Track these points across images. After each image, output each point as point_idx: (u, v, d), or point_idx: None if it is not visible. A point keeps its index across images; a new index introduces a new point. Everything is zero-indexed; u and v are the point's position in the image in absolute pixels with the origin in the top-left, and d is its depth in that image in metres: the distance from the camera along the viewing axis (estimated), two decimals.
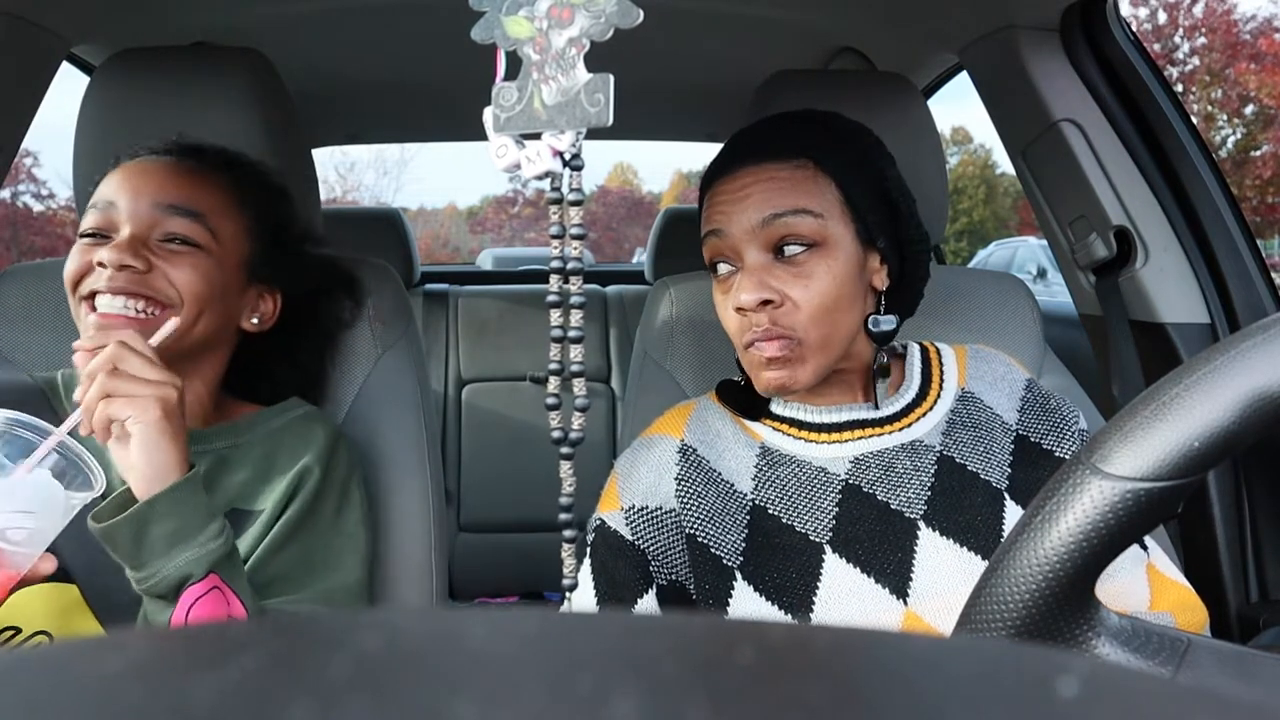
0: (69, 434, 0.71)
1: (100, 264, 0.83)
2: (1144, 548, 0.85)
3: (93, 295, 0.84)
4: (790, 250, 0.81)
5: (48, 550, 0.71)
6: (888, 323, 0.86)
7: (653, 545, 0.84)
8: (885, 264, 0.86)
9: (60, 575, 0.82)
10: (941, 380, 0.91)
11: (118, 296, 0.83)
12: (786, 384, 0.82)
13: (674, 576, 0.84)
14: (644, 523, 0.85)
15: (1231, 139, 18.37)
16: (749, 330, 0.82)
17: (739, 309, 0.82)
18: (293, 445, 0.91)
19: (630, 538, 0.84)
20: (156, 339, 0.79)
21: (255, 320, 0.95)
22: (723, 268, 0.85)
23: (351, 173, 27.36)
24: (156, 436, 0.73)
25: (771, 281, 0.80)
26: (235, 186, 0.93)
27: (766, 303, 0.80)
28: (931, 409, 0.88)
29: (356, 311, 1.06)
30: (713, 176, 0.87)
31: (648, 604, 0.84)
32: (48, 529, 0.70)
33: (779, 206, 0.81)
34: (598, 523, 0.87)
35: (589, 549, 0.87)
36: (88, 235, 0.88)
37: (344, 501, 0.92)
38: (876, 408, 0.87)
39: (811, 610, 0.78)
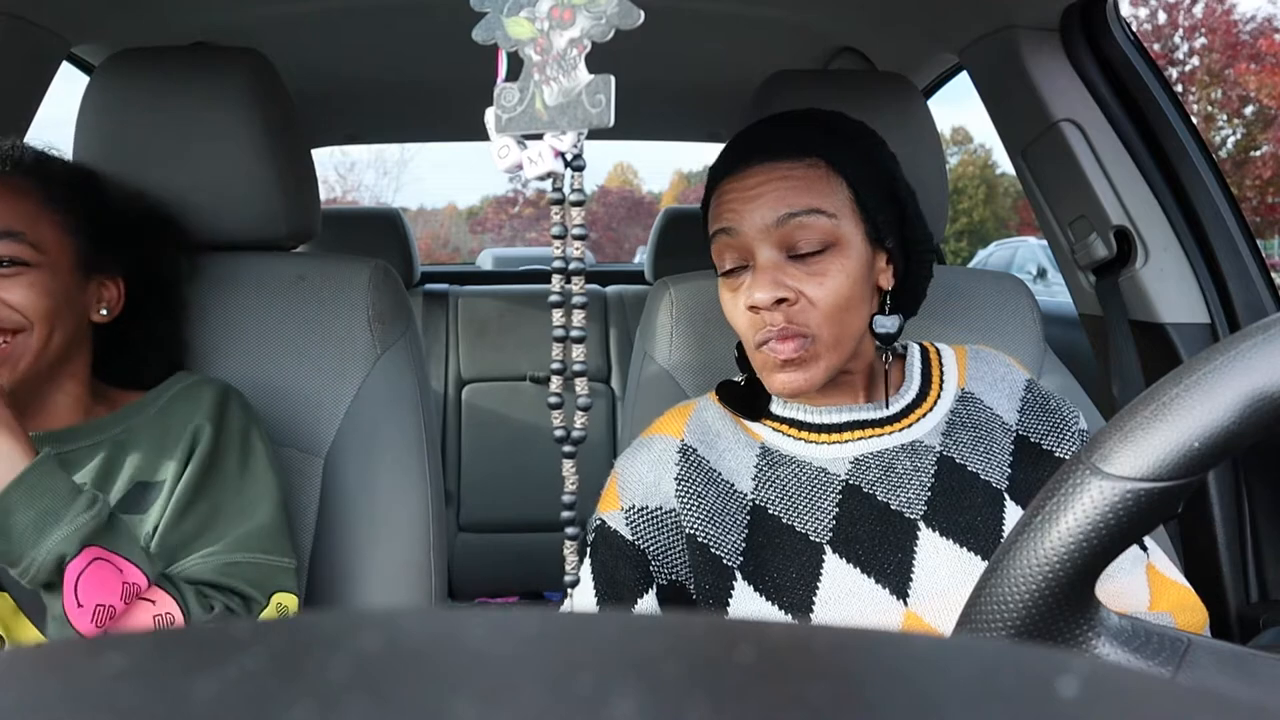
0: None
1: None
2: (1144, 548, 0.85)
3: None
4: (804, 250, 0.81)
5: None
6: (892, 323, 0.86)
7: (653, 545, 0.84)
8: (891, 264, 0.86)
9: None
10: (941, 381, 0.91)
11: None
12: (801, 386, 0.81)
13: (674, 576, 0.84)
14: (644, 522, 0.85)
15: (1231, 139, 18.37)
16: (762, 329, 0.81)
17: (753, 307, 0.81)
18: (182, 410, 0.91)
19: (630, 537, 0.84)
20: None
21: (104, 311, 0.95)
22: (732, 267, 0.84)
23: (351, 173, 27.39)
24: None
25: (785, 280, 0.80)
26: (42, 187, 0.91)
27: (781, 301, 0.80)
28: (931, 409, 0.88)
29: (191, 262, 1.06)
30: (721, 174, 0.86)
31: (648, 604, 0.84)
32: None
33: (794, 206, 0.81)
34: (598, 522, 0.87)
35: (589, 549, 0.87)
36: None
37: (246, 451, 0.92)
38: (887, 406, 0.87)
39: (811, 610, 0.78)
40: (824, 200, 0.81)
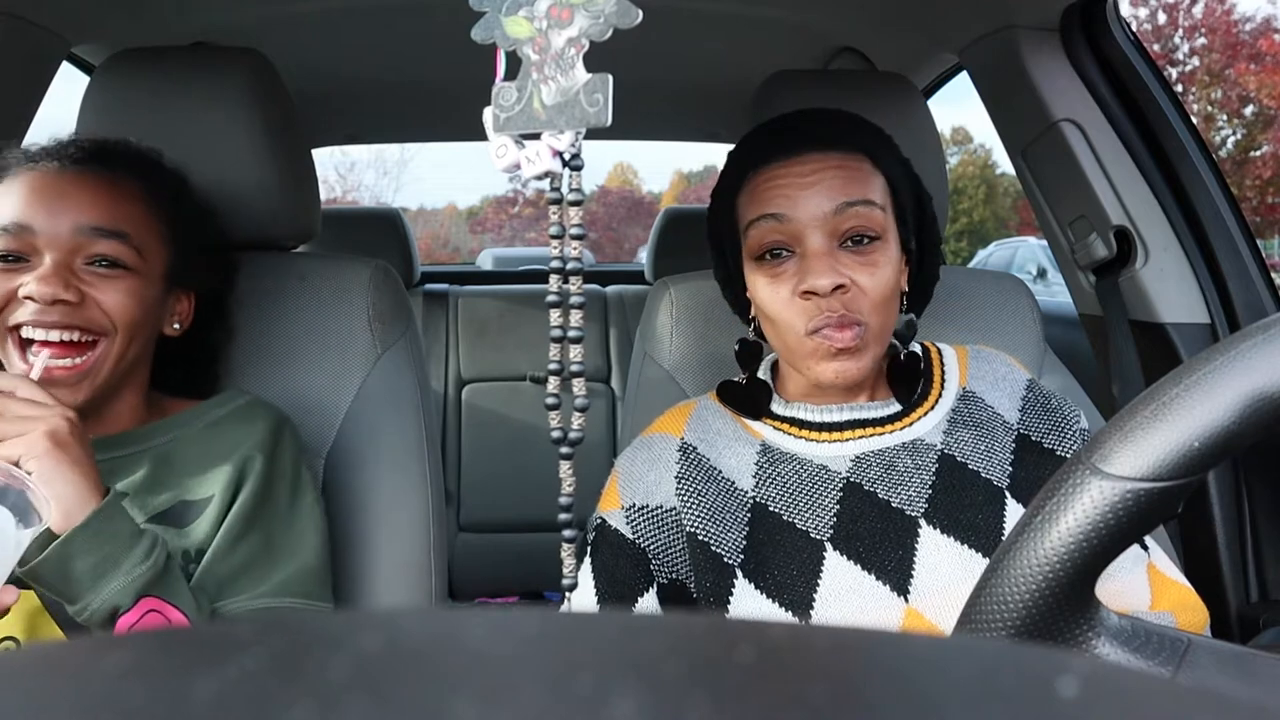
0: (14, 464, 0.70)
1: (29, 298, 0.80)
2: (1144, 547, 0.85)
3: (16, 327, 0.81)
4: (858, 240, 0.81)
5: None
6: (902, 322, 0.88)
7: (653, 543, 0.84)
8: (908, 264, 0.88)
9: (20, 582, 0.82)
10: (943, 380, 0.91)
11: (51, 330, 0.81)
12: (854, 375, 0.81)
13: (674, 575, 0.84)
14: (645, 521, 0.85)
15: (1231, 139, 18.37)
16: (818, 316, 0.80)
17: (808, 293, 0.80)
18: (233, 433, 0.90)
19: (631, 536, 0.85)
20: (35, 373, 0.77)
21: (176, 325, 0.94)
22: (776, 253, 0.83)
23: (351, 173, 27.39)
24: (53, 468, 0.71)
25: (840, 267, 0.80)
26: (151, 194, 0.89)
27: (839, 287, 0.80)
28: (933, 408, 0.88)
29: (232, 280, 1.05)
30: (761, 161, 0.84)
31: (648, 603, 0.84)
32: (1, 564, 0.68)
33: (851, 195, 0.81)
34: (598, 521, 0.87)
35: (590, 548, 0.87)
36: None
37: (296, 486, 0.92)
38: (909, 400, 0.88)
39: (812, 607, 0.78)
40: (875, 193, 0.83)
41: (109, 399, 0.88)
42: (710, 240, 0.94)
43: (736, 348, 0.93)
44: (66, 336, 0.81)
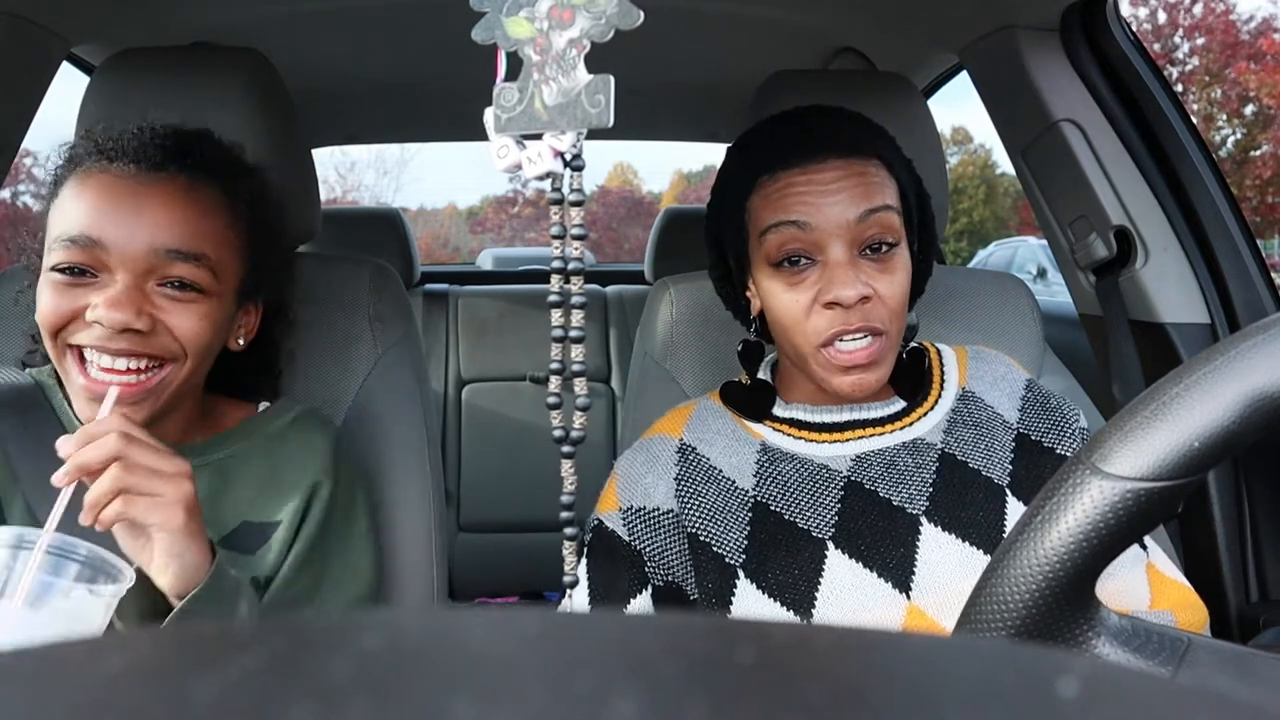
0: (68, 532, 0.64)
1: (97, 322, 0.74)
2: (1143, 547, 0.85)
3: (79, 345, 0.76)
4: (876, 247, 0.81)
5: None
6: (912, 317, 0.89)
7: (649, 546, 0.84)
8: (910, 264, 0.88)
9: None
10: (942, 380, 0.91)
11: (119, 358, 0.75)
12: (872, 386, 0.81)
13: (670, 577, 0.84)
14: (641, 523, 0.85)
15: (1231, 139, 18.37)
16: (837, 327, 0.79)
17: (832, 304, 0.79)
18: (298, 456, 0.88)
19: (627, 538, 0.85)
20: (103, 412, 0.70)
21: (241, 341, 0.89)
22: (795, 260, 0.81)
23: (351, 173, 27.38)
24: (185, 541, 0.67)
25: (862, 277, 0.80)
26: (232, 205, 0.82)
27: (864, 299, 0.79)
28: (933, 408, 0.88)
29: (295, 285, 1.00)
30: (783, 163, 0.82)
31: (641, 604, 0.84)
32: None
33: (874, 202, 0.80)
34: (595, 523, 0.87)
35: (586, 549, 0.87)
36: (64, 270, 0.75)
37: (352, 508, 0.91)
38: (914, 397, 0.88)
39: (814, 606, 0.78)
40: (892, 199, 0.82)
41: (167, 410, 0.83)
42: (709, 240, 0.93)
43: (739, 348, 0.93)
44: (134, 364, 0.76)
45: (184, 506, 0.67)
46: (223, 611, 0.70)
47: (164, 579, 0.68)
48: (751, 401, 0.90)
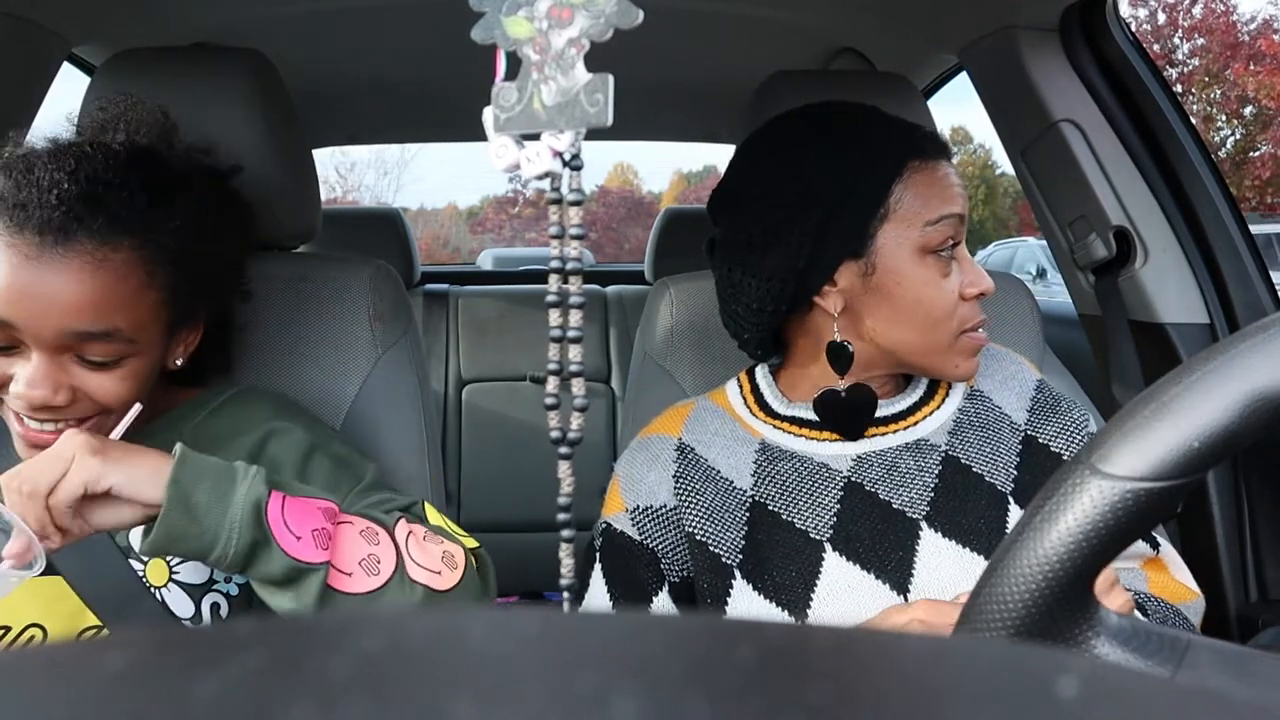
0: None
1: (17, 397, 0.75)
2: (1155, 545, 0.86)
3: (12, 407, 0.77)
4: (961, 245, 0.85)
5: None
6: None
7: (661, 543, 0.84)
8: None
9: (45, 569, 0.82)
10: None
11: (45, 423, 0.76)
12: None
13: (684, 573, 0.84)
14: (649, 521, 0.85)
15: (1231, 139, 18.37)
16: (979, 315, 0.84)
17: (980, 294, 0.83)
18: (240, 414, 0.89)
19: (639, 538, 0.84)
20: (118, 433, 0.73)
21: (179, 362, 0.87)
22: (942, 251, 0.83)
23: (351, 173, 27.35)
24: (115, 467, 0.67)
25: None
26: (148, 257, 0.78)
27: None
28: (939, 408, 0.88)
29: (250, 237, 0.95)
30: (938, 153, 0.85)
31: (662, 602, 0.84)
32: None
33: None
34: (604, 526, 0.87)
35: (599, 554, 0.86)
36: None
37: (324, 432, 0.92)
38: (933, 395, 0.89)
39: (810, 607, 0.78)
40: None
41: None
42: (769, 230, 0.83)
43: (833, 349, 0.85)
44: (64, 425, 0.77)
45: (87, 452, 0.67)
46: (221, 472, 0.70)
47: (139, 503, 0.68)
48: (849, 411, 0.86)
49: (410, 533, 0.78)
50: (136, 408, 0.75)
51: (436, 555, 0.77)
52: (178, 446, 0.71)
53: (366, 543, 0.74)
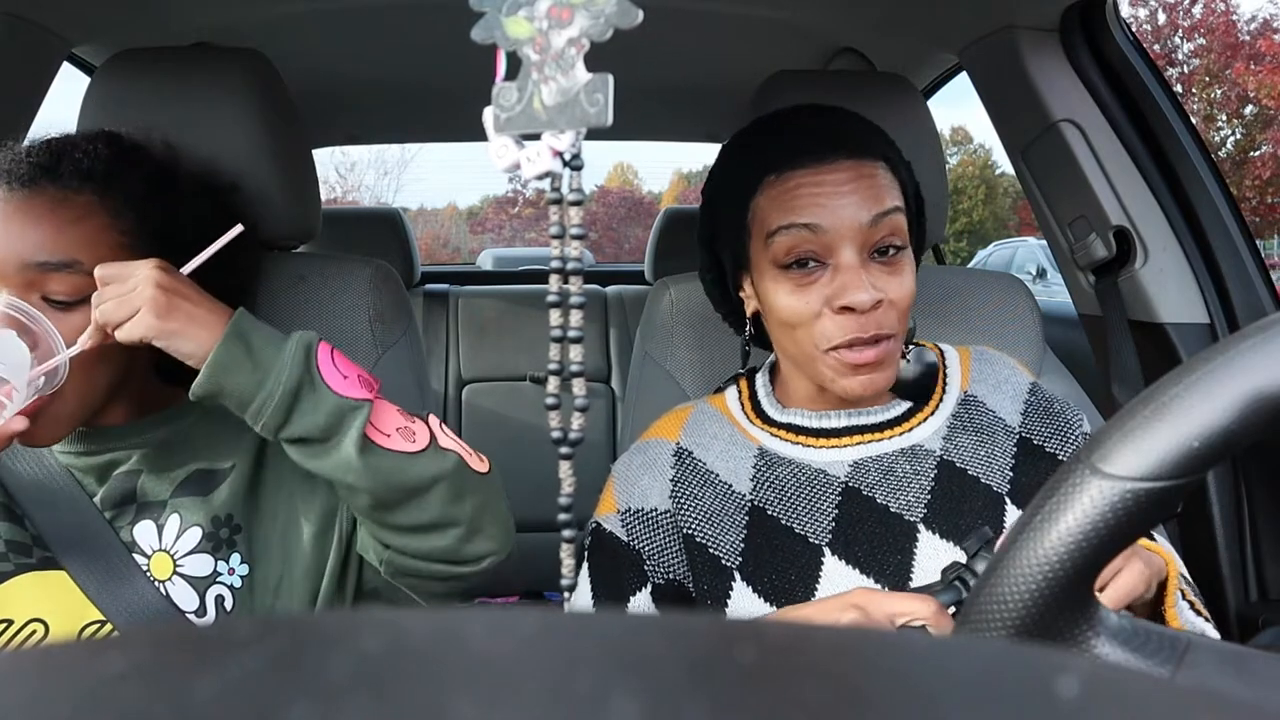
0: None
1: None
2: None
3: None
4: (884, 250, 0.80)
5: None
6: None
7: (648, 546, 0.84)
8: None
9: (47, 564, 0.82)
10: (944, 383, 0.91)
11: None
12: (881, 386, 0.80)
13: (671, 575, 0.84)
14: (639, 524, 0.85)
15: (1231, 139, 18.37)
16: (850, 332, 0.78)
17: (845, 308, 0.78)
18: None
19: (626, 539, 0.85)
20: (67, 356, 0.76)
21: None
22: (804, 263, 0.80)
23: (351, 173, 27.34)
24: (180, 312, 0.73)
25: (873, 281, 0.78)
26: (110, 204, 0.81)
27: (878, 303, 0.78)
28: (933, 413, 0.88)
29: (246, 282, 0.97)
30: (791, 163, 0.80)
31: (640, 601, 0.84)
32: (12, 387, 0.73)
33: (884, 205, 0.79)
34: (594, 525, 0.88)
35: (587, 552, 0.87)
36: None
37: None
38: (922, 403, 0.88)
39: None
40: (898, 199, 0.81)
41: (108, 399, 0.83)
42: (702, 239, 0.92)
43: (745, 349, 0.93)
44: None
45: (157, 291, 0.72)
46: (275, 335, 0.77)
47: (197, 345, 0.74)
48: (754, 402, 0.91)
49: (441, 424, 0.85)
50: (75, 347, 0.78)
51: (466, 446, 0.85)
52: (238, 313, 0.77)
53: (403, 417, 0.80)
